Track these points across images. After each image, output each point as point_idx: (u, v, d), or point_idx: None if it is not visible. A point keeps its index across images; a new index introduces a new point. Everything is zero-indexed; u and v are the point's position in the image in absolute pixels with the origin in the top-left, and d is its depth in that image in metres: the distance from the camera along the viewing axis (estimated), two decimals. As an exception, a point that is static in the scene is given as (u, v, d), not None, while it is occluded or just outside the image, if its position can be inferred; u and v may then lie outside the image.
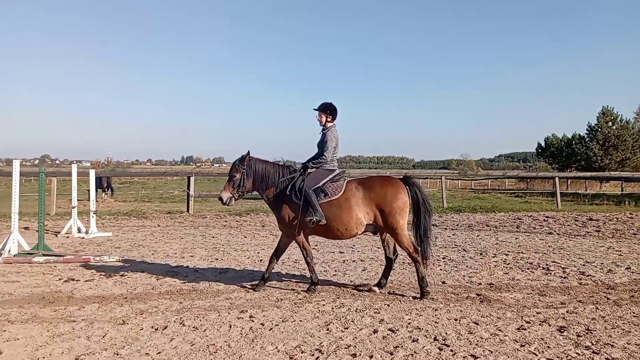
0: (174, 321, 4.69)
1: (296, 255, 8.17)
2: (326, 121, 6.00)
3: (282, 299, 5.49)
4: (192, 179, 16.00)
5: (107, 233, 10.85)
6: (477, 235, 10.65)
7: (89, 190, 20.11)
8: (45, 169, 9.60)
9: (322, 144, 5.91)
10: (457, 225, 12.62)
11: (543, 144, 51.08)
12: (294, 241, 5.98)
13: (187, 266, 7.42)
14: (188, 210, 15.38)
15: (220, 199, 5.84)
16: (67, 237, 10.53)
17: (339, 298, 5.50)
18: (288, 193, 5.77)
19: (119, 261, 7.76)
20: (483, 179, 40.20)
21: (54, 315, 4.89)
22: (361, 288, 6.02)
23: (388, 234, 5.79)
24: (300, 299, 5.48)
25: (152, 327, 4.52)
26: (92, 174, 11.72)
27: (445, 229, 11.92)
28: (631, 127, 42.77)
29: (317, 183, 5.72)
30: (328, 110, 5.99)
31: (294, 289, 5.99)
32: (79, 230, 10.81)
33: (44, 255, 7.87)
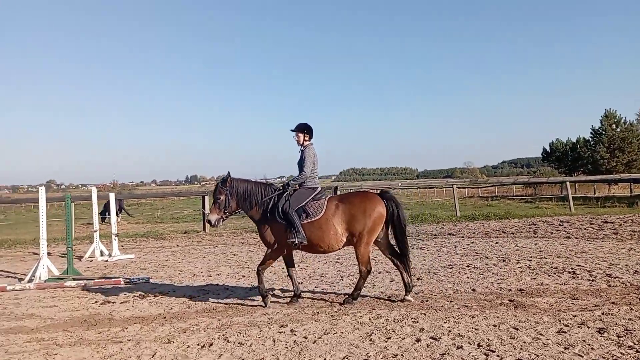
0: (218, 338, 4.80)
1: (321, 270, 8.28)
2: (304, 140, 6.26)
3: (318, 312, 5.58)
4: (207, 197, 16.16)
5: (130, 255, 10.97)
6: (496, 242, 10.71)
7: (102, 214, 20.33)
8: (71, 194, 9.76)
9: (301, 162, 6.15)
10: (474, 233, 12.68)
11: (548, 149, 51.19)
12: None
13: (217, 284, 7.52)
14: (204, 230, 15.51)
15: (209, 221, 6.06)
16: (91, 260, 10.66)
17: (374, 309, 5.59)
18: (272, 213, 5.95)
19: (149, 282, 7.87)
20: (492, 186, 40.22)
21: (100, 337, 5.00)
22: (394, 299, 6.11)
23: (382, 244, 6.12)
24: (336, 312, 5.57)
25: (198, 345, 4.63)
26: (112, 197, 11.87)
27: (463, 237, 11.99)
28: (635, 129, 42.80)
29: (299, 203, 5.92)
30: (305, 129, 6.26)
31: (327, 301, 6.08)
32: (102, 254, 10.94)
33: (74, 279, 8.00)
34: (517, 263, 8.14)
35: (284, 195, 5.97)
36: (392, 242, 6.18)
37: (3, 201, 23.13)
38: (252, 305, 6.07)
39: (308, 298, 6.35)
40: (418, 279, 7.20)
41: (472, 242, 10.93)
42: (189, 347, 4.59)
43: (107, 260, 10.50)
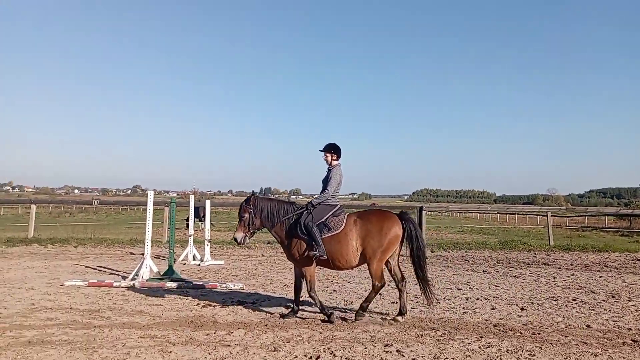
0: (324, 351, 4.77)
1: (414, 290, 8.05)
2: (332, 160, 6.43)
3: (422, 335, 5.40)
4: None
5: (220, 261, 11.34)
6: (599, 277, 9.94)
7: (187, 219, 21.27)
8: (175, 199, 10.28)
9: (326, 180, 6.34)
10: (571, 264, 11.87)
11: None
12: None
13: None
14: (287, 241, 15.70)
15: (235, 239, 6.27)
16: (184, 264, 11.12)
17: (482, 337, 5.32)
18: (294, 228, 6.13)
19: (243, 289, 8.06)
20: (590, 215, 37.59)
21: (208, 339, 5.15)
22: (500, 328, 5.79)
23: (391, 263, 6.20)
24: (441, 335, 5.37)
25: (305, 356, 4.63)
26: (208, 204, 12.35)
27: (559, 268, 11.25)
28: None
29: (321, 218, 6.09)
30: (332, 150, 6.43)
31: (428, 323, 5.89)
32: (194, 258, 11.38)
33: (172, 280, 8.36)
34: (630, 301, 7.48)
35: (305, 212, 6.14)
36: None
37: (103, 203, 25.02)
38: (350, 321, 6.01)
39: (409, 319, 6.17)
40: (522, 309, 6.81)
41: (572, 275, 10.22)
42: (296, 357, 4.60)
43: (199, 265, 10.91)
